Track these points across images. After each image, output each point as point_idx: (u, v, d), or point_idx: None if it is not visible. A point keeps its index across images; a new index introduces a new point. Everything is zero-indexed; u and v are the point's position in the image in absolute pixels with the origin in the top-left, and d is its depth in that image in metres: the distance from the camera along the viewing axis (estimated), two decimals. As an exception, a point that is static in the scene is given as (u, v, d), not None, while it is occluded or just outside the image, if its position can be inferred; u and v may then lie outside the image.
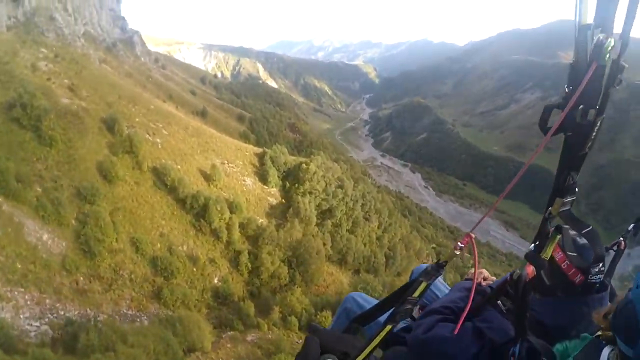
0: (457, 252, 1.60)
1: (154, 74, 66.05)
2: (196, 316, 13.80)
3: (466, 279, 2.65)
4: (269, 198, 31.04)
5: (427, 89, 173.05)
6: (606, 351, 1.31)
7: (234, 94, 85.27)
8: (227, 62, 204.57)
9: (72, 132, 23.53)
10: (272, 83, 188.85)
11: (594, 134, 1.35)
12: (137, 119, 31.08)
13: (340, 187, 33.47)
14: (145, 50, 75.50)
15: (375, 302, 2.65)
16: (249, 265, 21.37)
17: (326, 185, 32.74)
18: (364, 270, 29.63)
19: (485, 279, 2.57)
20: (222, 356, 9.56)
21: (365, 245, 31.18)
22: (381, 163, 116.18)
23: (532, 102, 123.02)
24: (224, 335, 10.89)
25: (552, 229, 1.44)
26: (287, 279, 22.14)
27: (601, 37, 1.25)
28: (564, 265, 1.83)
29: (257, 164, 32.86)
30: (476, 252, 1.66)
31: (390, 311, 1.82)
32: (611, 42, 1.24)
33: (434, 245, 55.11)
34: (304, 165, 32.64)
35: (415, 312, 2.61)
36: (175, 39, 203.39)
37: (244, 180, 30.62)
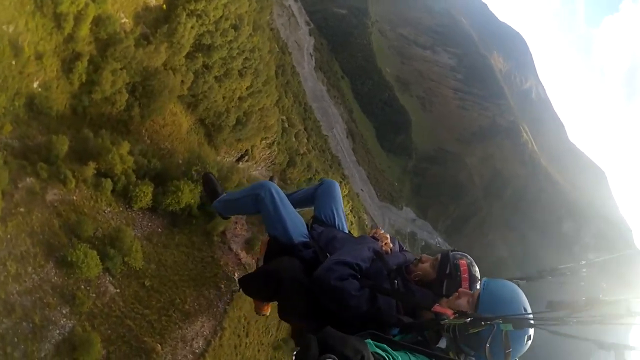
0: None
1: None
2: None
3: (372, 236, 3.28)
4: (151, -5, 24.53)
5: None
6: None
7: None
8: None
9: None
10: None
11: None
12: None
13: (236, 27, 29.17)
14: None
15: (287, 203, 3.29)
16: (84, 76, 17.00)
17: (222, 18, 28.01)
18: (210, 124, 28.38)
19: (386, 243, 3.19)
20: (10, 232, 7.43)
21: (223, 99, 29.38)
22: (289, 6, 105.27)
23: (442, 62, 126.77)
24: (19, 185, 8.44)
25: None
26: (124, 107, 19.09)
27: None
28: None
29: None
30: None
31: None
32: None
33: (283, 118, 56.40)
34: (212, -22, 26.66)
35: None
36: None
37: (129, -46, 22.92)
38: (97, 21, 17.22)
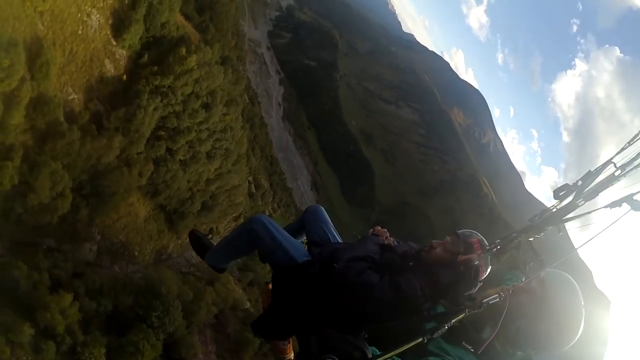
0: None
1: None
2: None
3: (372, 234, 3.26)
4: (107, 62, 21.36)
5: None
6: None
7: None
8: None
9: None
10: None
11: None
12: None
13: (207, 107, 26.72)
14: None
15: (282, 230, 3.20)
16: (16, 178, 13.66)
17: (191, 95, 25.66)
18: (172, 212, 25.33)
19: (386, 237, 3.19)
20: None
21: (188, 183, 26.53)
22: (262, 54, 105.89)
23: (405, 116, 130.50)
24: None
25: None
26: (67, 209, 15.85)
27: None
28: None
29: (121, 1, 22.38)
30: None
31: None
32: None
33: (250, 179, 53.64)
34: (183, 50, 24.35)
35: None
36: None
37: (87, 16, 19.67)
38: (35, 103, 13.82)
